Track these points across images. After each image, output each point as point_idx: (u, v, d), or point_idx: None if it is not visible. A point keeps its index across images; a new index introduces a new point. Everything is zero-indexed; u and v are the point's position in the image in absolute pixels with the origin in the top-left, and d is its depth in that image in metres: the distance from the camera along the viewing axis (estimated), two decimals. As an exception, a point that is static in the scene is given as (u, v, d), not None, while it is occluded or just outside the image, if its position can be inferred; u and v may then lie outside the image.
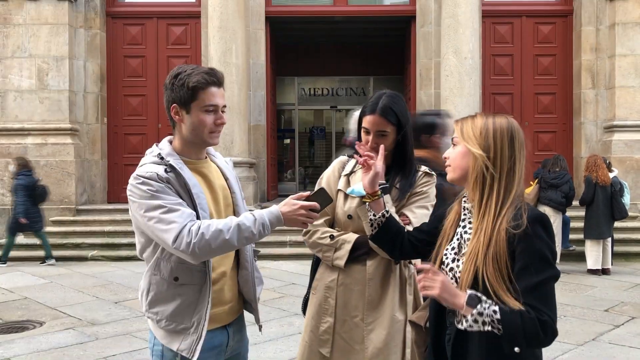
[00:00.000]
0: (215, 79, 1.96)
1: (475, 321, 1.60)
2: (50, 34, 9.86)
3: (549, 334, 1.58)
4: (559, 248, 7.89)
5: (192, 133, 1.97)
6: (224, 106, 2.01)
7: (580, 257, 8.26)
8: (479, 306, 1.60)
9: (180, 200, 1.89)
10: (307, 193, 1.95)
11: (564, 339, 4.93)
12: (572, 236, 8.56)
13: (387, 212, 2.04)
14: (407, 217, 2.26)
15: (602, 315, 5.73)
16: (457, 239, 1.79)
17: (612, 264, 7.93)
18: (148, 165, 1.93)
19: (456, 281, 1.73)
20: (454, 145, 1.81)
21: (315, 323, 2.36)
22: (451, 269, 1.76)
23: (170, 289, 1.94)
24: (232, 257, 2.10)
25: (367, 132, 2.29)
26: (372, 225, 2.02)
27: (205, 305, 1.93)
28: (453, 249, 1.79)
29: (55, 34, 9.87)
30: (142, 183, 1.87)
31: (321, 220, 2.36)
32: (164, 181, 1.89)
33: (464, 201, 1.83)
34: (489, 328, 1.59)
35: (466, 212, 1.82)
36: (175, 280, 1.93)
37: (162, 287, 1.95)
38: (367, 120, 2.29)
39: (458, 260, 1.75)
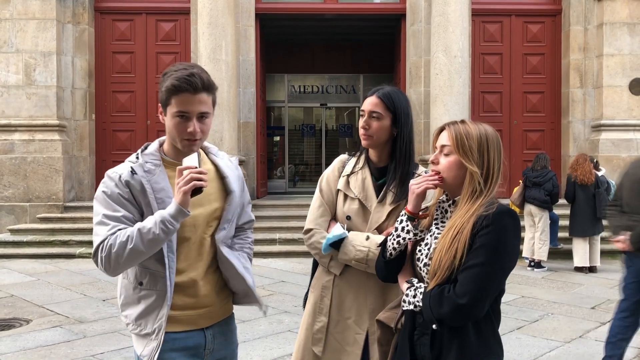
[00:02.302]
0: (189, 85, 1.81)
1: (404, 301, 1.83)
2: (38, 29, 9.77)
3: (445, 306, 1.67)
4: (547, 246, 7.95)
5: (169, 137, 1.95)
6: (204, 113, 1.86)
7: (568, 255, 8.33)
8: (407, 290, 1.82)
9: (122, 213, 1.86)
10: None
11: (551, 336, 4.97)
12: (560, 234, 8.62)
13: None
14: None
15: (589, 313, 5.78)
16: (431, 236, 1.86)
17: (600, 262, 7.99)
18: (123, 163, 1.95)
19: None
20: (446, 154, 1.81)
21: (310, 321, 2.38)
22: (425, 265, 1.83)
23: (136, 293, 1.95)
24: (205, 261, 2.02)
25: (363, 115, 2.30)
26: (399, 243, 1.91)
27: (165, 312, 1.91)
28: (427, 245, 1.85)
29: (43, 29, 9.77)
30: (104, 182, 1.91)
31: (323, 218, 2.35)
32: (124, 185, 1.88)
33: (440, 201, 1.89)
34: (412, 307, 1.80)
35: (439, 211, 1.88)
36: (140, 285, 1.94)
37: (129, 290, 1.97)
38: (365, 103, 2.30)
39: (432, 253, 1.81)
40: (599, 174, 8.15)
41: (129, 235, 1.82)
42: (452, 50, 9.47)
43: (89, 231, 9.11)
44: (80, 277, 7.22)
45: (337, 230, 2.25)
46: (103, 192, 1.88)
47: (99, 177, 10.48)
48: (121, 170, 1.91)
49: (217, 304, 2.06)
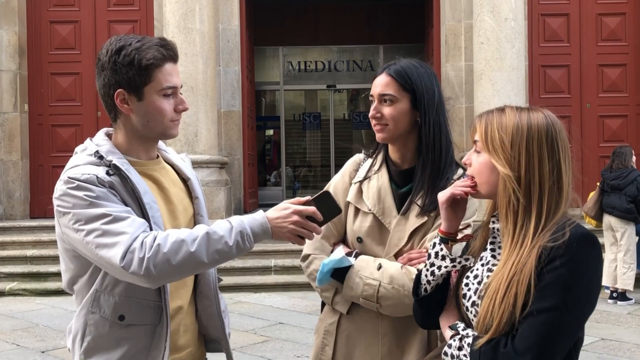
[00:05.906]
0: (172, 52, 1.98)
1: (445, 354, 1.78)
2: (-48, -7, 9.85)
3: None
4: (633, 270, 7.90)
5: (147, 125, 1.99)
6: (181, 87, 2.05)
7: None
8: (451, 339, 1.78)
9: (128, 208, 1.90)
10: (307, 198, 1.92)
11: (642, 392, 4.95)
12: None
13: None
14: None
15: (693, 360, 5.76)
16: (483, 265, 1.82)
17: None
18: (83, 166, 1.92)
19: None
20: (478, 152, 1.80)
21: None
22: (473, 304, 1.79)
23: (114, 331, 1.94)
24: (190, 288, 2.11)
25: (372, 101, 2.29)
26: (434, 274, 1.88)
27: (162, 350, 1.94)
28: (476, 277, 1.81)
29: (-42, -7, 9.86)
30: (77, 187, 1.86)
31: (326, 240, 2.32)
32: (106, 185, 1.88)
33: (493, 221, 1.84)
34: None
35: (496, 232, 1.84)
36: (121, 320, 1.93)
37: (102, 329, 1.95)
38: (373, 85, 2.29)
39: (482, 291, 1.76)
40: None
41: (188, 236, 1.80)
42: (502, 10, 9.47)
43: (23, 260, 9.14)
44: (12, 322, 7.24)
45: (337, 254, 2.20)
46: (86, 196, 1.84)
47: (34, 188, 10.52)
48: (89, 171, 1.89)
49: (196, 344, 2.14)
